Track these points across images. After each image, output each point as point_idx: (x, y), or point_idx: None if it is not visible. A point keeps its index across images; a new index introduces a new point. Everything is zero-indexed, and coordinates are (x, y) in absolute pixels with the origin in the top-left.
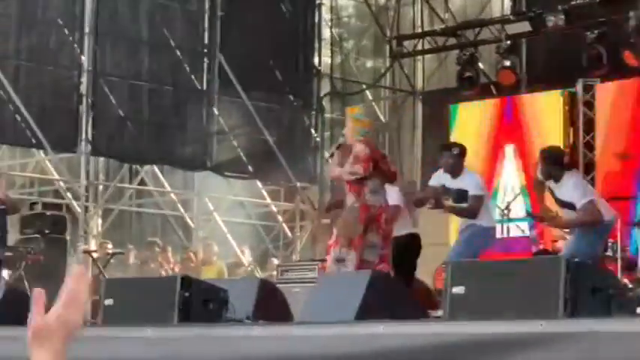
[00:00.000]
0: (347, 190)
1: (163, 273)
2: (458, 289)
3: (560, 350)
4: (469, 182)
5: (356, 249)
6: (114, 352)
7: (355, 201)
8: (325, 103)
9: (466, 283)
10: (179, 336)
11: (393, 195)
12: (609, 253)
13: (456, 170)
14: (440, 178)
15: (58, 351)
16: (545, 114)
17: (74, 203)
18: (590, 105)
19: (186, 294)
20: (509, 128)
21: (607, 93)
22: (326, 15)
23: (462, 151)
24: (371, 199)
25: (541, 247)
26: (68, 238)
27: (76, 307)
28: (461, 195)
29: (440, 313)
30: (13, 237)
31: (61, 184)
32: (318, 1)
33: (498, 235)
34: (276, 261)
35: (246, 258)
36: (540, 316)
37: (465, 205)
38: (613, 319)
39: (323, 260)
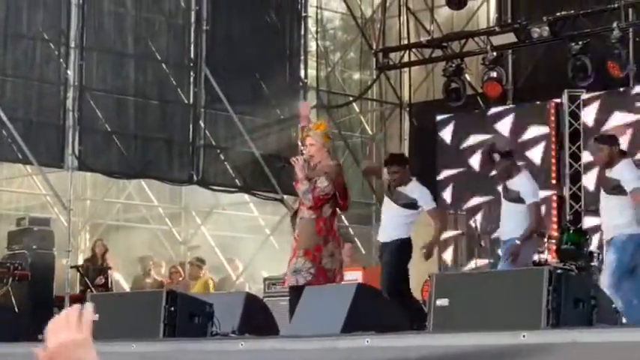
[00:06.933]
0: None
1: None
2: (442, 302)
3: None
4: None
5: (314, 259)
6: None
7: (312, 213)
8: (312, 115)
9: (450, 295)
10: (164, 350)
11: None
12: (594, 263)
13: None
14: None
15: None
16: (531, 125)
17: (61, 218)
18: (575, 115)
19: (172, 308)
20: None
21: (592, 103)
22: (312, 27)
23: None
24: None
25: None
26: (55, 253)
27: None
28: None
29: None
30: (0, 253)
31: (48, 199)
32: (303, 14)
33: None
34: (264, 274)
35: (235, 271)
36: (523, 327)
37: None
38: (595, 329)
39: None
